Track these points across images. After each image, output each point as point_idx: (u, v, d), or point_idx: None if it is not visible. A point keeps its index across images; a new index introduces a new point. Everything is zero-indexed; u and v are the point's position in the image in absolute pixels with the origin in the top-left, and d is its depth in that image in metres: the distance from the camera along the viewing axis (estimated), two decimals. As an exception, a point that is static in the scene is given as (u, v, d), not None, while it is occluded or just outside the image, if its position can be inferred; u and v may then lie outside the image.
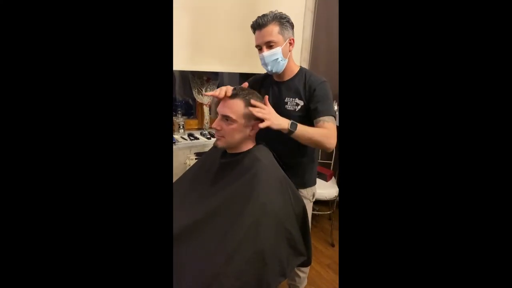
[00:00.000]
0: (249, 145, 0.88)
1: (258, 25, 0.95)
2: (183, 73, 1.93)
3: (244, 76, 2.05)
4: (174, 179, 1.00)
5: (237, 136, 0.84)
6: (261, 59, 0.99)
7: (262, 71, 1.17)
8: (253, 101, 0.82)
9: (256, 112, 0.81)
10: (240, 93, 0.84)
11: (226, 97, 0.83)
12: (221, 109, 0.84)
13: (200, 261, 0.69)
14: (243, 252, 0.70)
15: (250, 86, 1.12)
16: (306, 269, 1.27)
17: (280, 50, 0.95)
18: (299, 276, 1.27)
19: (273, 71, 1.00)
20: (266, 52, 0.96)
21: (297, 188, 0.92)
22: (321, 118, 0.95)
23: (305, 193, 1.11)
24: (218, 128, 0.84)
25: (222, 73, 2.02)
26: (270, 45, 0.95)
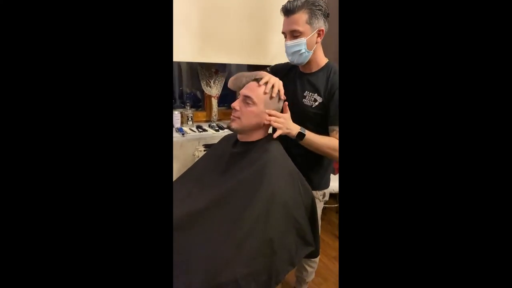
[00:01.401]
0: (260, 135, 0.88)
1: (286, 11, 0.89)
2: (191, 66, 1.93)
3: (251, 68, 2.03)
4: (183, 170, 1.01)
5: (253, 121, 0.85)
6: (285, 47, 0.93)
7: (270, 63, 1.16)
8: (268, 111, 0.84)
9: (273, 121, 0.83)
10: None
11: (252, 80, 0.86)
12: (244, 90, 0.85)
13: (210, 249, 0.70)
14: (252, 240, 0.71)
15: (273, 72, 1.08)
16: (315, 264, 1.27)
17: (305, 41, 0.89)
18: (306, 270, 1.27)
19: (295, 62, 0.95)
20: (289, 42, 0.90)
21: None
22: (335, 128, 0.91)
23: (314, 193, 1.05)
24: (237, 108, 0.85)
25: (230, 65, 2.02)
26: (295, 35, 0.89)
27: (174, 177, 0.99)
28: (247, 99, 0.84)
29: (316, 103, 0.95)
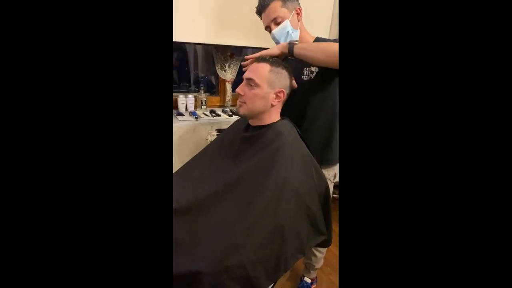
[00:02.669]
0: (272, 118, 0.85)
1: (261, 7, 0.94)
2: (206, 50, 1.90)
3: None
4: (195, 153, 1.01)
5: (259, 103, 0.82)
6: (272, 38, 0.96)
7: None
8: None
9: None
10: (268, 58, 0.83)
11: (253, 61, 0.85)
12: (246, 73, 0.83)
13: (219, 232, 0.69)
14: (262, 225, 0.69)
15: None
16: (323, 249, 1.27)
17: (288, 22, 0.92)
18: (315, 256, 1.27)
19: None
20: (275, 29, 0.93)
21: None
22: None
23: (326, 172, 1.06)
24: (241, 93, 0.82)
25: (246, 49, 1.97)
26: (277, 22, 0.93)
27: (187, 160, 0.99)
28: (250, 82, 0.81)
29: (313, 74, 0.96)
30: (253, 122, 0.87)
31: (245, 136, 0.87)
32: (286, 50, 0.87)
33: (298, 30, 0.95)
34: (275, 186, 0.71)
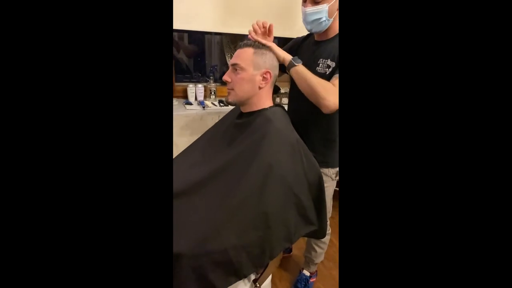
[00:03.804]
0: (263, 103, 0.84)
1: None
2: (217, 39, 1.90)
3: (281, 41, 1.94)
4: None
5: (246, 87, 0.80)
6: (303, 13, 0.86)
7: (296, 35, 1.08)
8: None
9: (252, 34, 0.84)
10: (252, 42, 0.82)
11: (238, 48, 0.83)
12: (231, 60, 0.83)
13: (201, 216, 0.69)
14: (245, 212, 0.69)
15: (287, 49, 1.05)
16: (324, 245, 1.23)
17: (327, 8, 0.82)
18: (315, 251, 1.24)
19: (313, 31, 0.90)
20: (310, 9, 0.83)
21: (319, 167, 0.85)
22: (336, 75, 0.82)
23: (326, 171, 1.02)
24: (228, 80, 0.82)
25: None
26: (316, 1, 0.82)
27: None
28: (235, 67, 0.80)
29: (330, 69, 0.88)
30: (244, 109, 0.87)
31: (237, 123, 0.86)
32: (286, 64, 0.83)
33: (331, 20, 0.86)
34: (258, 173, 0.70)
